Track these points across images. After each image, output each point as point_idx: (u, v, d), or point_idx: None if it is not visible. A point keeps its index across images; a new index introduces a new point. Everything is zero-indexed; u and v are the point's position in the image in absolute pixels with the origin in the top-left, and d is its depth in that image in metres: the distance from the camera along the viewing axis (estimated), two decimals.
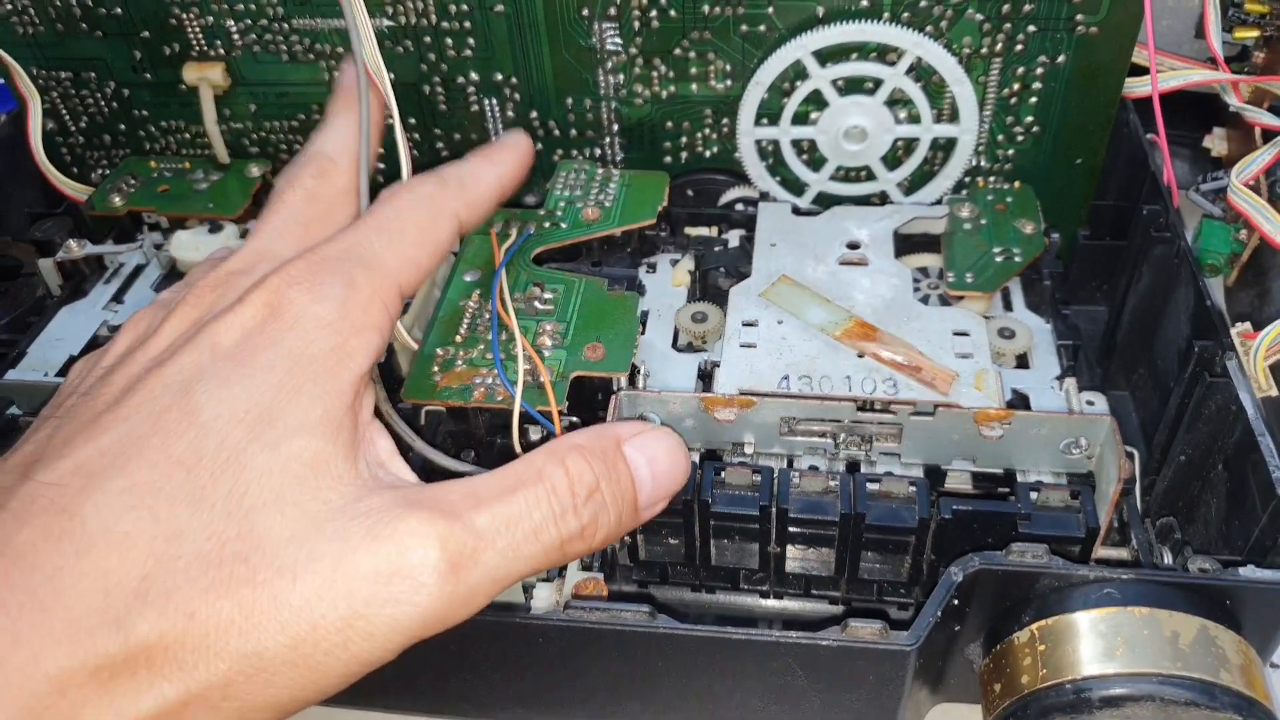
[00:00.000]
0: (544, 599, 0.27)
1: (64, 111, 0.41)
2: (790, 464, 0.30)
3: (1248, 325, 0.30)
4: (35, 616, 0.19)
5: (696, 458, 0.29)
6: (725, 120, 0.38)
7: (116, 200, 0.39)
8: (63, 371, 0.34)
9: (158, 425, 0.21)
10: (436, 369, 0.30)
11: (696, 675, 0.26)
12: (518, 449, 0.29)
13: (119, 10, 0.38)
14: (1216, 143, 0.43)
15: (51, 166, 0.40)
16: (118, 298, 0.37)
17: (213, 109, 0.39)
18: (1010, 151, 0.37)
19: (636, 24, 0.35)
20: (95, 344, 0.35)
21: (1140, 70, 0.36)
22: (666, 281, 0.36)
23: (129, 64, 0.39)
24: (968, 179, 0.38)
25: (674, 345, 0.33)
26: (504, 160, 0.31)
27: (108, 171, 0.42)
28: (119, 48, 0.39)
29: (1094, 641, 0.23)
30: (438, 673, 0.28)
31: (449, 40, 0.37)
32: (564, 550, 0.23)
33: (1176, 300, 0.33)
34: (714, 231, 0.38)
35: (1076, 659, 0.23)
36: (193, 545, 0.20)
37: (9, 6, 0.38)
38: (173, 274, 0.38)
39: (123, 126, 0.41)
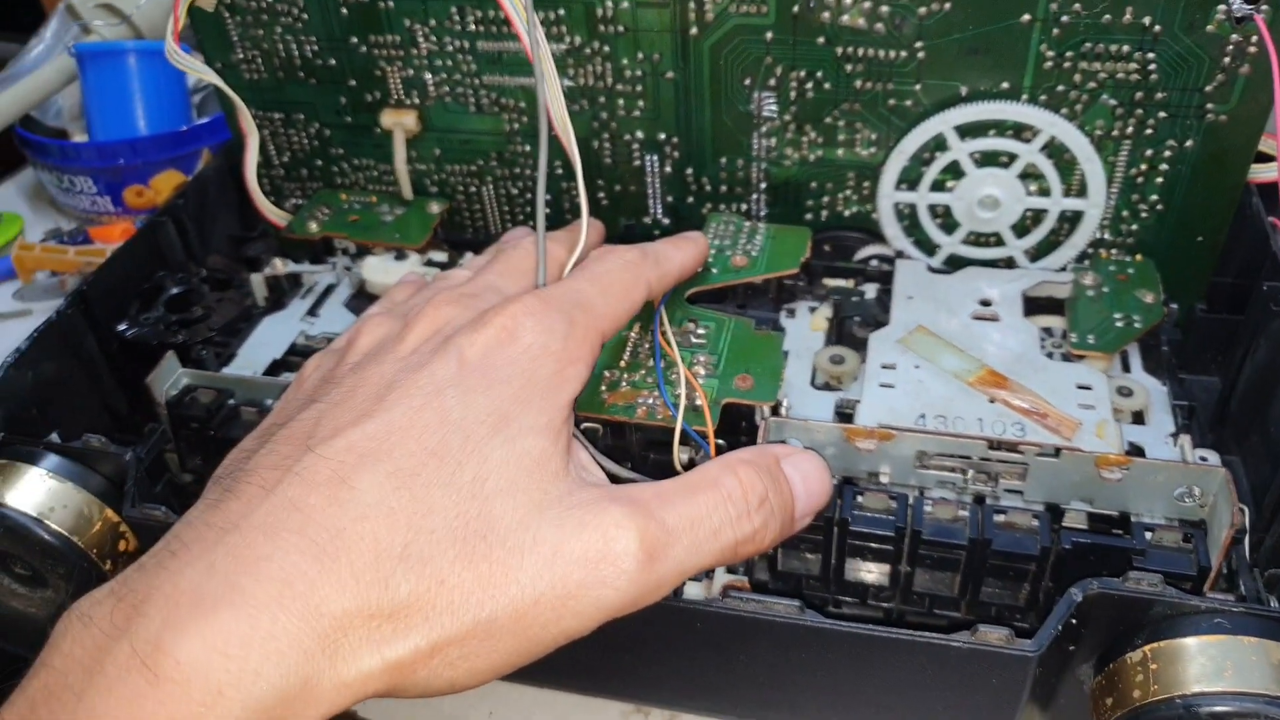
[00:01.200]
0: (694, 595, 0.30)
1: (271, 147, 0.46)
2: (922, 494, 0.32)
3: None
4: (327, 565, 0.22)
5: (836, 482, 0.32)
6: (866, 183, 0.41)
7: (313, 226, 0.44)
8: (269, 371, 0.38)
9: (414, 420, 0.25)
10: (604, 388, 0.34)
11: (836, 669, 0.29)
12: (678, 465, 0.32)
13: (333, 61, 0.43)
14: None
15: (261, 195, 0.45)
16: (313, 311, 0.42)
17: (404, 151, 0.44)
18: (1134, 227, 0.39)
19: (793, 94, 0.39)
20: (294, 350, 0.40)
21: (1267, 158, 0.38)
22: (805, 326, 0.39)
23: (334, 108, 0.44)
24: (1091, 249, 0.40)
25: (812, 383, 0.36)
26: (688, 250, 0.36)
27: (300, 201, 0.48)
28: (327, 94, 0.44)
29: (1204, 663, 0.25)
30: (600, 653, 0.31)
31: (621, 101, 0.41)
32: (737, 551, 0.26)
33: None
34: (850, 283, 0.41)
35: (1186, 677, 0.25)
36: (443, 521, 0.23)
37: (240, 55, 0.43)
38: (360, 293, 0.43)
39: (319, 162, 0.46)
